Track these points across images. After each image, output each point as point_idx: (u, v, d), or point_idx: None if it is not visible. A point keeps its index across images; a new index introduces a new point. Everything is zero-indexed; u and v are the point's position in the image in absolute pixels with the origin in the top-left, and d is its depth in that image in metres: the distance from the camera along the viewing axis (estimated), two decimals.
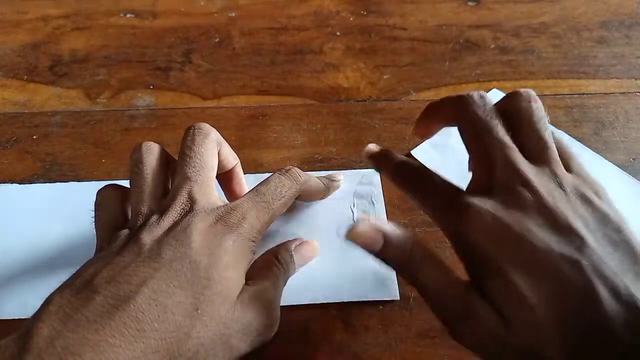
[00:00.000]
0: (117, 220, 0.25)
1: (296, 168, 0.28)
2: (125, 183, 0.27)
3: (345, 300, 0.30)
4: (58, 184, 0.35)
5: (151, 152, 0.27)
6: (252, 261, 0.25)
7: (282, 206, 0.26)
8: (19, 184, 0.35)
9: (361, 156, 0.35)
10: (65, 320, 0.19)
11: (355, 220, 0.33)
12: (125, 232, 0.24)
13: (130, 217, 0.25)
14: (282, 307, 0.30)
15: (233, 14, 0.47)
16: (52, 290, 0.21)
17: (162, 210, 0.24)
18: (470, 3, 0.48)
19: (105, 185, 0.27)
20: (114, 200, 0.26)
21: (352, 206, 0.34)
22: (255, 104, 0.40)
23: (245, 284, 0.24)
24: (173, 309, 0.20)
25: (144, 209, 0.24)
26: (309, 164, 0.36)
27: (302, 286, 0.30)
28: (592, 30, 0.45)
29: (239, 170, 0.31)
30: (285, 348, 0.28)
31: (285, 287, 0.29)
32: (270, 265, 0.27)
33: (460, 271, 0.31)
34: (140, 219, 0.24)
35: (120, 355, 0.19)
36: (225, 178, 0.31)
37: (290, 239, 0.30)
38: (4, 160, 0.36)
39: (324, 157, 0.37)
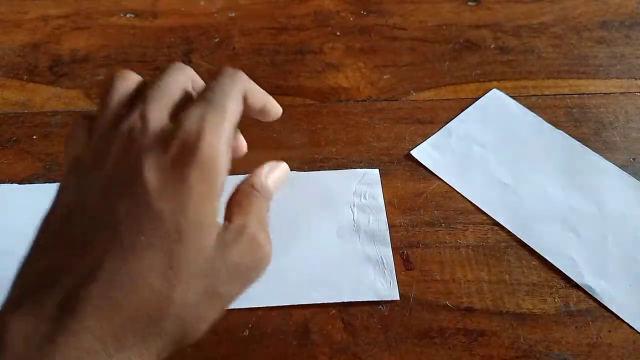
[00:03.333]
0: (80, 147, 0.22)
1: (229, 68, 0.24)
2: None
3: (346, 301, 0.30)
4: (58, 184, 0.35)
5: (125, 80, 0.24)
6: (224, 183, 0.21)
7: (235, 105, 0.22)
8: (19, 184, 0.35)
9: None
10: (36, 326, 0.17)
11: (356, 220, 0.33)
12: (82, 165, 0.21)
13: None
14: (282, 306, 0.30)
15: (233, 14, 0.47)
16: None
17: (111, 135, 0.21)
18: (470, 3, 0.48)
19: (76, 118, 0.24)
20: (78, 132, 0.23)
21: (352, 206, 0.34)
22: None
23: (227, 221, 0.22)
24: (145, 273, 0.18)
25: (96, 134, 0.22)
26: (309, 164, 0.36)
27: (302, 286, 0.30)
28: (592, 30, 0.45)
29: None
30: (285, 348, 0.28)
31: (285, 286, 0.29)
32: (248, 196, 0.23)
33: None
34: (89, 153, 0.21)
35: (96, 333, 0.18)
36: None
37: (260, 168, 0.26)
38: (4, 160, 0.36)
39: (324, 157, 0.37)
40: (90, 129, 0.22)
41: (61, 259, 0.19)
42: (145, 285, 0.18)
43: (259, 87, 0.25)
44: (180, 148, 0.20)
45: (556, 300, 0.30)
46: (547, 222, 0.33)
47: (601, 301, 0.30)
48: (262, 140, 0.38)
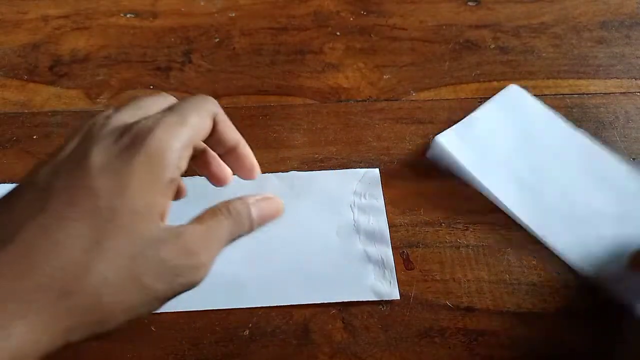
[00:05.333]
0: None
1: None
2: None
3: (346, 300, 0.30)
4: None
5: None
6: (173, 191, 0.22)
7: (199, 121, 0.23)
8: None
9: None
10: None
11: (356, 220, 0.33)
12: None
13: None
14: (282, 306, 0.30)
15: (233, 14, 0.47)
16: None
17: (77, 130, 0.22)
18: (470, 3, 0.48)
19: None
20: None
21: (352, 205, 0.34)
22: (255, 104, 0.40)
23: (185, 223, 0.22)
24: (67, 243, 0.19)
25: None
26: (309, 164, 0.36)
27: (302, 286, 0.30)
28: (592, 30, 0.45)
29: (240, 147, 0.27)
30: (285, 348, 0.28)
31: (285, 286, 0.29)
32: (214, 211, 0.23)
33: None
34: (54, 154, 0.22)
35: (6, 293, 0.17)
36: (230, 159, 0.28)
37: (252, 195, 0.25)
38: (4, 160, 0.36)
39: (324, 157, 0.37)
40: None
41: None
42: (64, 255, 0.18)
43: (231, 124, 0.26)
44: (131, 139, 0.20)
45: (556, 300, 0.30)
46: (567, 221, 0.33)
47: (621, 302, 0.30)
48: (262, 140, 0.38)
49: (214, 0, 0.48)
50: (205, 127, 0.24)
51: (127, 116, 0.22)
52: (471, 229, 0.33)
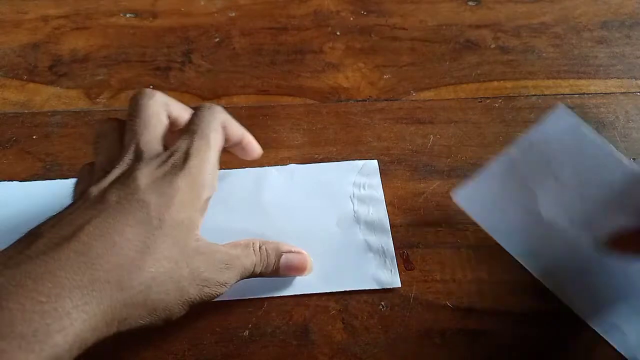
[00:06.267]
0: (82, 182, 0.27)
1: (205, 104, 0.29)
2: None
3: (348, 289, 0.30)
4: (59, 181, 0.35)
5: (107, 124, 0.28)
6: (207, 207, 0.26)
7: (217, 134, 0.27)
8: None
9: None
10: (6, 262, 0.19)
11: (356, 211, 0.33)
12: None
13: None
14: (282, 306, 0.30)
15: (233, 14, 0.47)
16: None
17: (112, 165, 0.25)
18: (470, 3, 0.48)
19: (84, 165, 0.28)
20: (85, 167, 0.28)
21: (352, 197, 0.34)
22: (255, 104, 0.40)
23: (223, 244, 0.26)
24: (122, 244, 0.21)
25: (98, 167, 0.26)
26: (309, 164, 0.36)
27: (304, 277, 0.30)
28: (592, 30, 0.45)
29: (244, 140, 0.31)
30: (285, 348, 0.28)
31: (287, 277, 0.30)
32: (248, 244, 0.27)
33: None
34: (94, 177, 0.25)
35: (66, 284, 0.19)
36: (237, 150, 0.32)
37: (288, 244, 0.29)
38: (4, 160, 0.36)
39: (324, 157, 0.37)
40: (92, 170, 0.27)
41: (50, 226, 0.22)
42: (121, 254, 0.21)
43: (235, 121, 0.29)
44: (171, 166, 0.24)
45: (556, 300, 0.30)
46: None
47: None
48: (262, 140, 0.37)
49: (214, 0, 0.48)
50: (222, 138, 0.28)
51: (151, 142, 0.25)
52: (471, 230, 0.33)
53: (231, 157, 0.33)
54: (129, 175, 0.23)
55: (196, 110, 0.27)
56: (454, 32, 0.45)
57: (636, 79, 0.42)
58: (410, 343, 0.29)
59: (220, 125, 0.27)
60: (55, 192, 0.34)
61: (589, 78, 0.42)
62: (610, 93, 0.41)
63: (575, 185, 0.28)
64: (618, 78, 0.42)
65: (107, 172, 0.24)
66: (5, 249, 0.21)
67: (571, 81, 0.42)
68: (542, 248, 0.30)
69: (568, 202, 0.28)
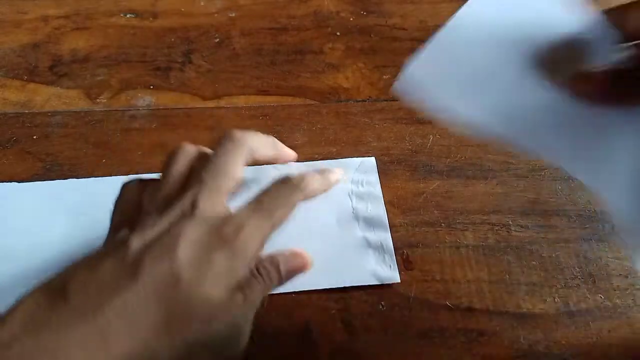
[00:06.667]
0: (127, 214, 0.25)
1: (296, 176, 0.27)
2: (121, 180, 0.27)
3: (348, 285, 0.30)
4: (59, 181, 0.35)
5: (185, 155, 0.26)
6: (246, 277, 0.24)
7: (284, 215, 0.25)
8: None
9: None
10: (28, 326, 0.19)
11: (354, 207, 0.33)
12: (125, 231, 0.23)
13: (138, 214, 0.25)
14: (282, 306, 0.30)
15: (233, 14, 0.47)
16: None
17: (164, 209, 0.24)
18: None
19: (132, 180, 0.27)
20: (132, 193, 0.26)
21: (350, 194, 0.34)
22: (255, 104, 0.40)
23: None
24: (141, 324, 0.20)
25: (150, 208, 0.24)
26: None
27: (305, 273, 0.30)
28: None
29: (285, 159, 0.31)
30: (285, 348, 0.28)
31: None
32: (249, 277, 0.25)
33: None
34: (143, 218, 0.24)
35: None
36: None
37: (280, 250, 0.27)
38: (4, 160, 0.36)
39: (324, 157, 0.37)
40: (142, 195, 0.26)
41: (79, 284, 0.21)
42: (137, 336, 0.20)
43: (263, 140, 0.29)
44: (218, 238, 0.23)
45: (556, 300, 0.30)
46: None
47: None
48: None
49: (214, 0, 0.48)
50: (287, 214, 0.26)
51: (210, 199, 0.24)
52: (471, 229, 0.33)
53: None
54: (175, 236, 0.22)
55: (274, 184, 0.26)
56: None
57: None
58: (410, 343, 0.29)
59: (293, 205, 0.26)
60: (55, 192, 0.34)
61: None
62: None
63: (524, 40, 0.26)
64: None
65: (155, 216, 0.23)
66: (32, 299, 0.20)
67: None
68: (512, 111, 0.26)
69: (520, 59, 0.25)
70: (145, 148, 0.37)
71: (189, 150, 0.26)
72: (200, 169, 0.25)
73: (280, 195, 0.25)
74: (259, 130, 0.38)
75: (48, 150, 0.37)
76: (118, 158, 0.37)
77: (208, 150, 0.27)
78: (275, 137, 0.38)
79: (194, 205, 0.23)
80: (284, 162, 0.31)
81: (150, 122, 0.39)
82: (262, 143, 0.28)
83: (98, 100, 0.40)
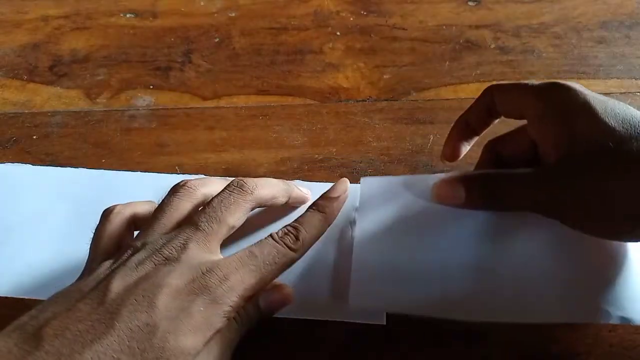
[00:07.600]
0: (112, 244, 0.25)
1: (292, 236, 0.26)
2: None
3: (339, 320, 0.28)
4: (68, 168, 0.36)
5: (188, 194, 0.26)
6: (224, 327, 0.23)
7: (273, 272, 0.24)
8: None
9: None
10: None
11: (352, 233, 0.30)
12: (106, 264, 0.23)
13: (124, 245, 0.25)
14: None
15: (233, 14, 0.47)
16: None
17: (152, 248, 0.24)
18: (470, 3, 0.48)
19: (115, 206, 0.27)
20: (116, 225, 0.26)
21: (351, 223, 0.31)
22: (255, 104, 0.40)
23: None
24: None
25: (138, 244, 0.24)
26: (309, 164, 0.36)
27: (313, 302, 0.29)
28: (592, 30, 0.45)
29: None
30: (285, 348, 0.28)
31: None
32: (227, 322, 0.24)
33: None
34: (127, 253, 0.24)
35: None
36: None
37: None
38: (4, 160, 0.36)
39: (324, 157, 0.37)
40: (130, 226, 0.26)
41: (55, 331, 0.20)
42: None
43: (276, 190, 0.28)
44: (200, 287, 0.22)
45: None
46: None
47: None
48: (262, 140, 0.38)
49: (214, 0, 0.48)
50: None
51: (199, 248, 0.24)
52: None
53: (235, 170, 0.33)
54: (157, 284, 0.22)
55: (268, 240, 0.25)
56: (454, 32, 0.45)
57: (636, 79, 0.42)
58: (410, 343, 0.29)
59: (284, 265, 0.25)
60: (63, 178, 0.35)
61: (589, 78, 0.42)
62: (610, 93, 0.41)
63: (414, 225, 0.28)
64: (618, 78, 0.42)
65: (143, 253, 0.23)
66: (5, 342, 0.20)
67: (571, 81, 0.42)
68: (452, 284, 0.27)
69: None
70: (145, 148, 0.37)
71: (192, 190, 0.26)
72: (198, 212, 0.25)
73: (273, 253, 0.25)
74: (258, 130, 0.38)
75: (48, 150, 0.37)
76: (118, 158, 0.37)
77: (215, 191, 0.27)
78: (275, 137, 0.38)
79: (183, 249, 0.23)
80: (298, 205, 0.31)
81: (150, 122, 0.39)
82: (273, 192, 0.28)
83: (98, 100, 0.40)
